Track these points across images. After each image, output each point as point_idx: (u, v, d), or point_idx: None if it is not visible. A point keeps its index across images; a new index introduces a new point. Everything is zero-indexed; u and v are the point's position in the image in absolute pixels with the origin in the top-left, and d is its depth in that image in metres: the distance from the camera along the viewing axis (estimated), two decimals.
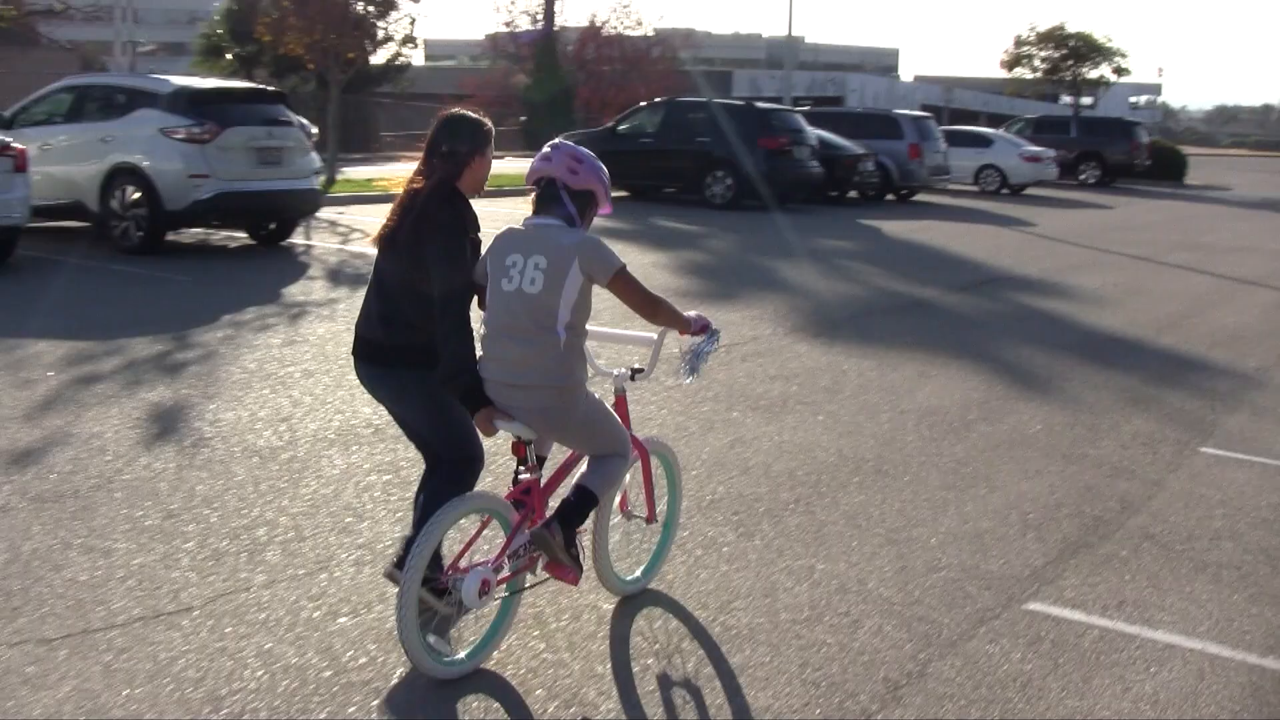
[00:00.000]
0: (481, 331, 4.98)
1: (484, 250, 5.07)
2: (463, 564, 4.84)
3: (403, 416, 5.36)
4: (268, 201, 16.62)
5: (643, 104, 30.13)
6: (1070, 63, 52.70)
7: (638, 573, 5.77)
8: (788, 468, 7.83)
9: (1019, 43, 54.11)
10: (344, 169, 29.61)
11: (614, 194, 5.48)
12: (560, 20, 51.88)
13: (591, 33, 57.06)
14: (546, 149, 5.06)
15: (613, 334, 5.85)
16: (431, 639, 4.82)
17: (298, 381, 9.47)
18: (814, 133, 28.32)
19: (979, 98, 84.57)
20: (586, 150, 5.07)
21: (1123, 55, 52.79)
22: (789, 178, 26.89)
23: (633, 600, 5.67)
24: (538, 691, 4.79)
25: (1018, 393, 10.30)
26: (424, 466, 5.43)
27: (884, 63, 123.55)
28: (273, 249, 17.20)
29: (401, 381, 5.10)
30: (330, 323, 11.84)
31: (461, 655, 4.86)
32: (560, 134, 30.33)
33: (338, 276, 14.88)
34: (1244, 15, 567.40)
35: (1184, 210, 34.91)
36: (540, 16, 50.83)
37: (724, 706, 4.74)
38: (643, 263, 17.01)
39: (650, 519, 5.71)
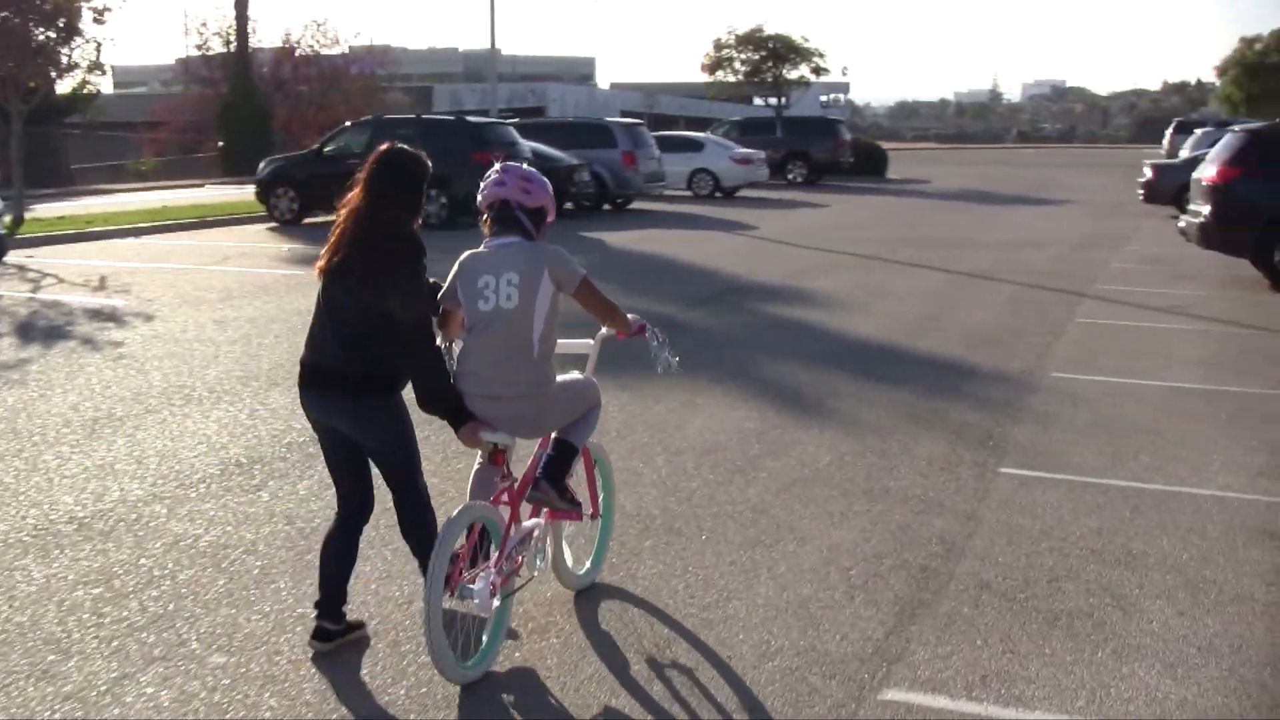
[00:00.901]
0: (456, 349, 5.35)
1: (450, 275, 5.35)
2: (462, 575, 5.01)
3: (350, 445, 5.31)
4: None
5: (348, 123, 28.77)
6: (770, 64, 53.33)
7: (587, 565, 6.17)
8: (565, 534, 6.87)
9: (719, 46, 54.54)
10: (33, 207, 27.26)
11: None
12: (254, 41, 49.63)
13: (286, 52, 55.07)
14: (495, 174, 5.32)
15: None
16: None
17: None
18: (528, 145, 27.47)
19: (676, 102, 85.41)
20: (532, 169, 5.43)
21: (820, 55, 53.82)
22: None
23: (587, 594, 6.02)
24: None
25: (794, 419, 9.59)
26: (337, 515, 5.42)
27: (581, 71, 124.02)
28: None
29: (363, 410, 5.19)
30: (21, 389, 10.31)
31: (474, 661, 5.08)
32: (262, 159, 29.09)
33: (29, 331, 13.20)
34: (920, 14, 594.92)
35: (893, 205, 35.42)
36: (233, 38, 48.54)
37: None
38: None
39: (595, 515, 6.11)
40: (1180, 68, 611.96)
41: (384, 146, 5.39)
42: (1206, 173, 19.00)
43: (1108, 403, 10.27)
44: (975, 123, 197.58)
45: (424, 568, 5.10)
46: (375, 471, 5.40)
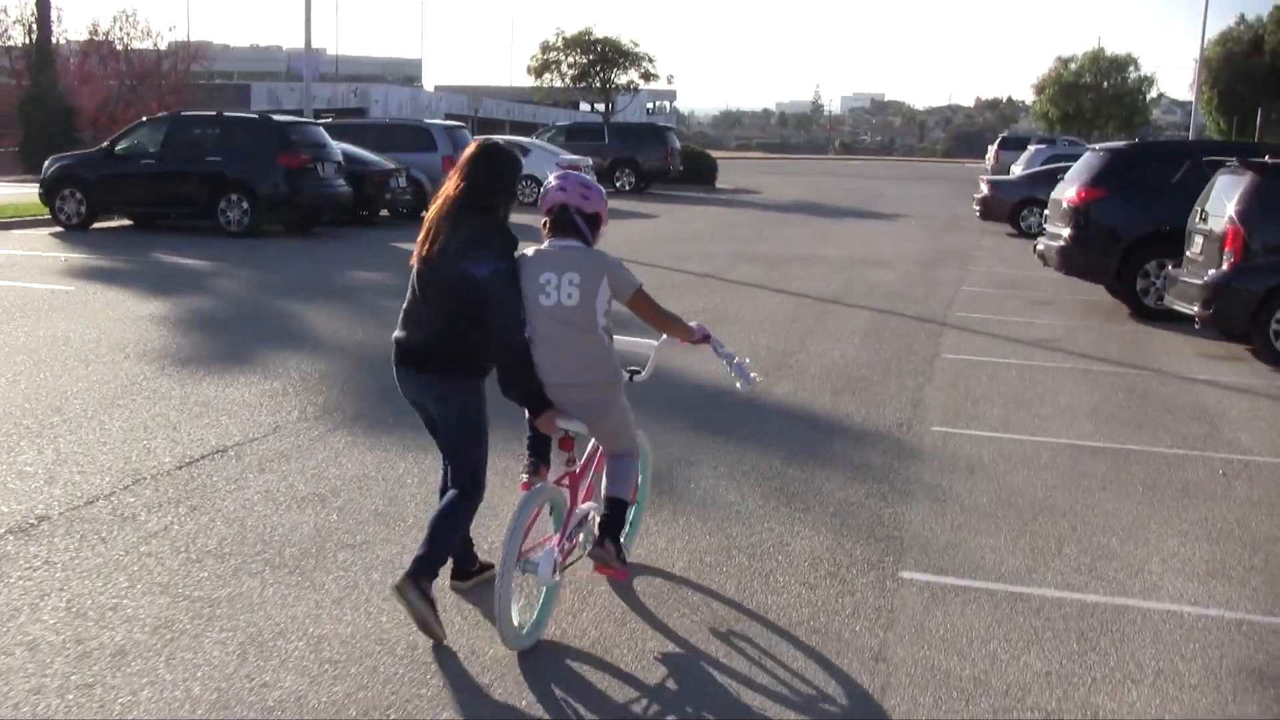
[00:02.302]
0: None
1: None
2: (525, 548, 5.40)
3: (438, 418, 5.73)
4: None
5: (144, 119, 26.22)
6: (599, 68, 51.61)
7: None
8: (366, 700, 4.97)
9: (546, 48, 52.61)
10: None
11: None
12: (60, 32, 46.23)
13: (94, 45, 51.79)
14: (557, 180, 5.66)
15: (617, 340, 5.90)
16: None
17: None
18: (339, 147, 25.26)
19: (503, 106, 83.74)
20: (590, 178, 5.78)
21: (650, 60, 52.33)
22: (313, 198, 23.71)
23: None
24: None
25: None
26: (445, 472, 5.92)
27: (407, 73, 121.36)
28: None
29: (447, 389, 5.61)
30: None
31: (528, 630, 5.43)
32: (53, 155, 26.20)
33: None
34: (745, 25, 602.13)
35: (725, 217, 33.93)
36: (34, 27, 45.05)
37: None
38: (136, 315, 13.58)
39: (633, 501, 6.17)
40: (994, 85, 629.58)
41: (479, 141, 5.81)
42: (1066, 193, 17.79)
43: (1005, 469, 8.67)
44: (798, 133, 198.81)
45: (429, 552, 5.44)
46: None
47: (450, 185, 5.55)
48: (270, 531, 6.77)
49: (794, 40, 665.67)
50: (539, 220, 5.72)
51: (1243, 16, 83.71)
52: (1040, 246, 18.49)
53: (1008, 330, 15.02)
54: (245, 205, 22.89)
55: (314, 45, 42.20)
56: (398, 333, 5.68)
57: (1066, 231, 17.33)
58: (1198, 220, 14.68)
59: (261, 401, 9.85)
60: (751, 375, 6.02)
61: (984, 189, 32.70)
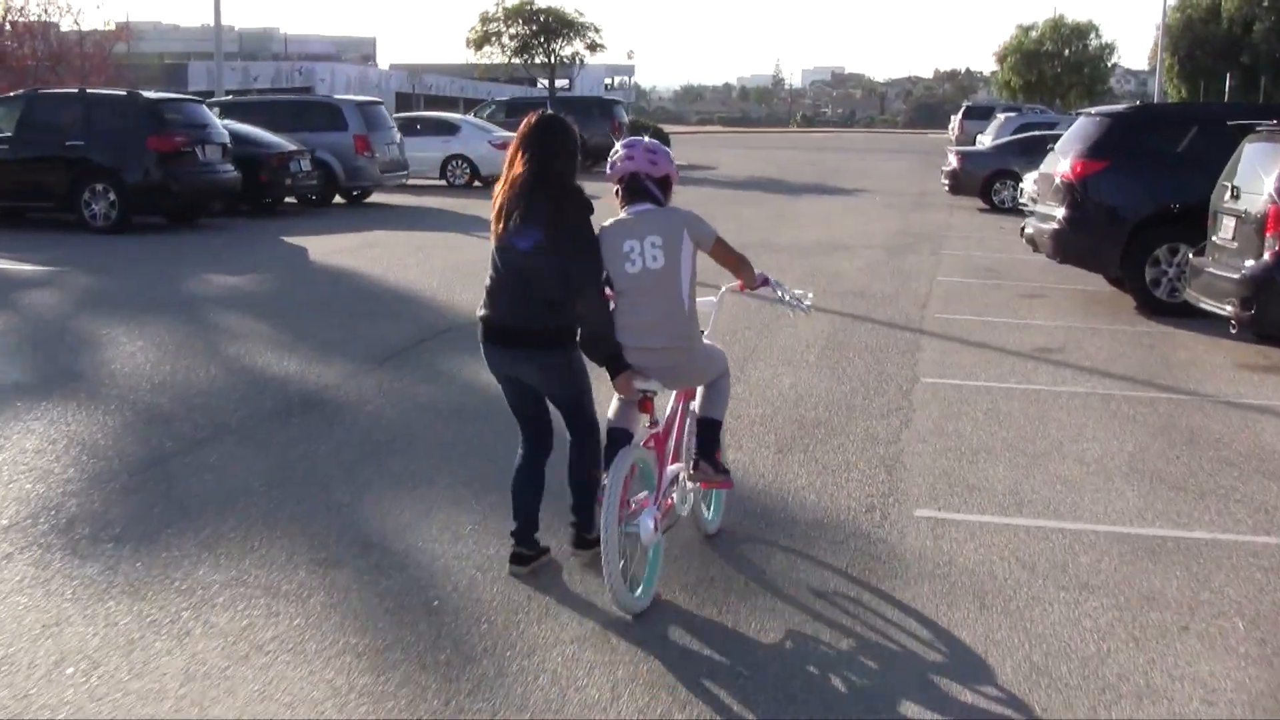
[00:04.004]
0: (612, 307, 5.59)
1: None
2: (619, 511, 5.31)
3: (533, 391, 5.73)
4: None
5: (8, 95, 23.16)
6: (542, 39, 48.55)
7: (710, 513, 6.44)
8: None
9: (485, 19, 49.49)
10: None
11: None
12: None
13: (12, 23, 48.60)
14: (624, 149, 5.77)
15: None
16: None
17: None
18: (228, 128, 22.18)
19: (456, 83, 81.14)
20: (656, 141, 5.88)
21: (596, 30, 49.27)
22: (192, 186, 20.62)
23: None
24: None
25: (478, 639, 4.81)
26: (521, 452, 5.84)
27: (362, 51, 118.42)
28: None
29: (548, 363, 5.60)
30: None
31: (640, 592, 5.38)
32: None
33: None
34: (705, 0, 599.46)
35: (675, 196, 30.81)
36: None
37: None
38: None
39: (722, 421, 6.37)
40: (952, 56, 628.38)
41: (535, 115, 5.65)
42: (1059, 166, 14.87)
43: (1030, 592, 5.75)
44: (759, 107, 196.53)
45: (579, 514, 5.86)
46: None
47: (516, 166, 5.52)
48: None
49: (754, 14, 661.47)
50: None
51: None
52: (1029, 229, 15.63)
53: (998, 337, 12.16)
54: (112, 196, 19.85)
55: (268, 25, 39.30)
56: (483, 311, 5.68)
57: (1061, 212, 14.45)
58: (1227, 198, 11.81)
59: None
60: (806, 304, 6.36)
61: (952, 161, 30.08)
